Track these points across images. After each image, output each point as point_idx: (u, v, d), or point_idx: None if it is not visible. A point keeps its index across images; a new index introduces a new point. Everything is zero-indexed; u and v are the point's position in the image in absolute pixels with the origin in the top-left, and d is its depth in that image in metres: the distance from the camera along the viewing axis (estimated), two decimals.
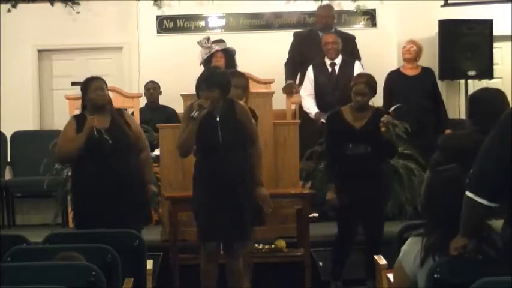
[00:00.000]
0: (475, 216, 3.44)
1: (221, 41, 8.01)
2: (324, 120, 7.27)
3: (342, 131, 6.14)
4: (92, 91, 5.74)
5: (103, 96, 5.76)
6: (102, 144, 5.61)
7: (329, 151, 6.29)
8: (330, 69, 7.96)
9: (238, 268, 5.56)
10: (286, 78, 8.44)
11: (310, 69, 8.02)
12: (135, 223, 5.44)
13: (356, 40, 8.49)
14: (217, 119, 5.43)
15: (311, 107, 7.94)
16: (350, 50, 8.30)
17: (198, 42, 7.85)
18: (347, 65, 7.89)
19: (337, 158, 6.19)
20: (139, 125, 6.13)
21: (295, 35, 8.63)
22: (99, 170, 5.64)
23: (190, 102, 5.59)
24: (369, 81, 6.19)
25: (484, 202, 3.37)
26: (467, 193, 3.41)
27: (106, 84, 5.85)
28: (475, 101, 4.36)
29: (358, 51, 8.42)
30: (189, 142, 5.47)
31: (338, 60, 7.96)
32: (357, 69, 7.75)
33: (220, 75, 5.57)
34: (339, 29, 8.58)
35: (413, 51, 8.23)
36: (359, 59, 8.31)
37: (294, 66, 8.45)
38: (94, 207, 5.62)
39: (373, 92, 6.23)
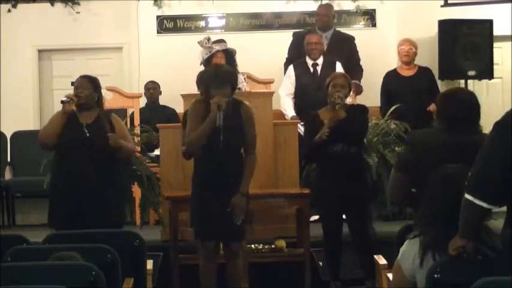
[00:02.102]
0: (474, 219, 3.41)
1: (222, 41, 7.99)
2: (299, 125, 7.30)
3: (318, 131, 6.10)
4: (74, 89, 5.88)
5: (83, 95, 5.81)
6: (79, 137, 5.70)
7: (308, 152, 6.32)
8: (312, 70, 7.94)
9: (237, 268, 5.55)
10: None
11: (291, 69, 8.00)
12: (102, 223, 5.43)
13: (356, 41, 8.49)
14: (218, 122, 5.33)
15: (288, 109, 7.90)
16: (349, 50, 8.29)
17: (198, 42, 7.84)
18: (329, 65, 7.84)
19: (316, 159, 6.21)
20: (125, 129, 6.15)
21: (294, 35, 8.62)
22: (72, 162, 5.71)
23: (196, 100, 5.52)
24: (345, 75, 6.26)
25: (484, 205, 3.33)
26: (466, 195, 3.37)
27: (95, 84, 5.89)
28: (445, 99, 4.34)
29: (357, 52, 8.42)
30: (199, 142, 5.37)
31: (320, 60, 7.94)
32: (339, 69, 7.74)
33: (230, 72, 5.49)
34: (338, 29, 8.59)
35: (411, 54, 8.20)
36: (358, 59, 8.30)
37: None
38: (66, 201, 5.70)
39: (349, 87, 6.24)
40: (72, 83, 6.02)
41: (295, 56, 8.42)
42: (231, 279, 5.57)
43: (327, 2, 9.01)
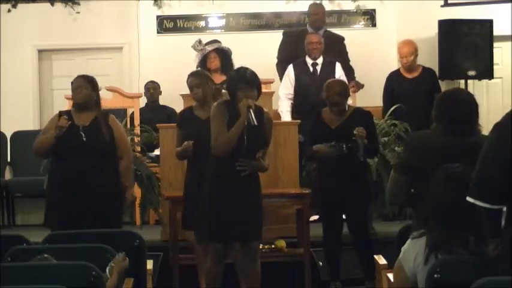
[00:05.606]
0: (487, 221, 3.40)
1: (215, 41, 7.99)
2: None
3: (318, 130, 6.15)
4: (72, 90, 5.86)
5: (81, 95, 5.79)
6: (76, 140, 5.66)
7: (305, 150, 6.34)
8: (311, 69, 7.93)
9: (257, 270, 5.51)
10: (281, 79, 8.41)
11: (290, 69, 7.96)
12: (101, 225, 5.39)
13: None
14: (245, 123, 5.28)
15: (284, 113, 7.87)
16: (338, 51, 8.27)
17: (191, 46, 7.86)
18: (328, 65, 7.85)
19: (314, 158, 6.22)
20: (123, 132, 6.08)
21: (285, 34, 8.60)
22: (69, 166, 5.67)
23: (218, 102, 5.45)
24: (340, 90, 6.18)
25: (486, 206, 3.34)
26: (468, 198, 3.39)
27: (93, 84, 5.86)
28: (442, 101, 4.34)
29: (347, 52, 8.39)
30: (230, 145, 5.28)
31: (319, 60, 7.92)
32: (338, 70, 7.75)
33: (255, 75, 5.41)
34: (338, 29, 8.59)
35: (412, 61, 8.15)
36: (348, 60, 8.29)
37: (287, 65, 8.41)
38: (63, 203, 5.67)
39: (346, 96, 6.23)
40: (73, 83, 5.99)
41: (286, 55, 8.38)
42: (251, 278, 5.54)
43: (320, 1, 9.00)
